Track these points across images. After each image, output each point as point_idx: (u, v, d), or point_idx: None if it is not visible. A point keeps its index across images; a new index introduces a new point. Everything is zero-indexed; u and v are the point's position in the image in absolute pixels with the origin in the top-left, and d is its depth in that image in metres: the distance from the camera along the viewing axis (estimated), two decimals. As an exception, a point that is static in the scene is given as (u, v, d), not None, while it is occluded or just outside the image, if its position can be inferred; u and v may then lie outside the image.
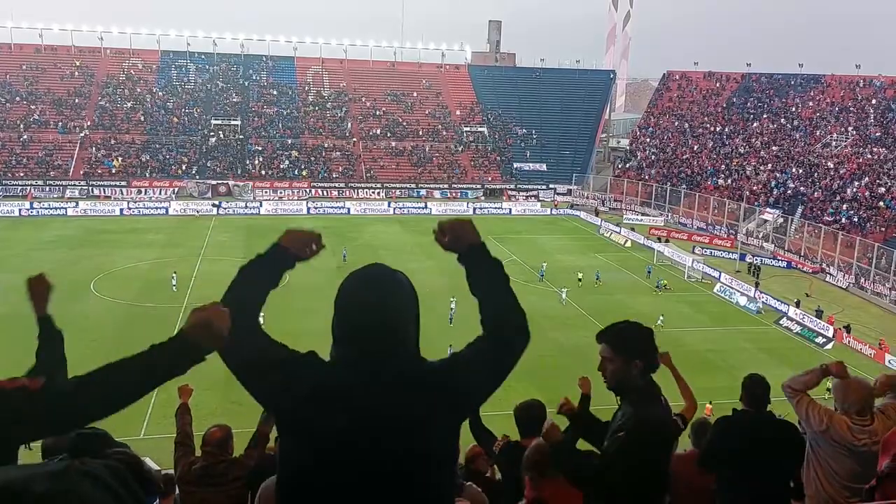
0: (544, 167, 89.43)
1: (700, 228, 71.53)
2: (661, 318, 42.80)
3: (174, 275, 46.18)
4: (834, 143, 74.80)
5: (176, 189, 77.16)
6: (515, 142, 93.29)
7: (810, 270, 58.99)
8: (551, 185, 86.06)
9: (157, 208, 73.10)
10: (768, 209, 68.82)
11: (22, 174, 75.82)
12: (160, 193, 76.35)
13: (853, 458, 4.85)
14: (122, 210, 71.56)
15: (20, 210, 68.77)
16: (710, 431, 5.63)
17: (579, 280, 50.90)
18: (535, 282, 51.52)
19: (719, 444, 5.40)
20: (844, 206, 64.20)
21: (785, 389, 5.26)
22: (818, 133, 77.53)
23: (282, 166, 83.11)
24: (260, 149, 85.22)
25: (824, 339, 42.94)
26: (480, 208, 79.70)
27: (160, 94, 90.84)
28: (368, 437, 2.43)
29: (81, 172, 77.17)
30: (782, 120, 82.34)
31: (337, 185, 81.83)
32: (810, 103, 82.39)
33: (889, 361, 38.95)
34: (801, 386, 5.20)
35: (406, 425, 2.46)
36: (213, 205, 73.78)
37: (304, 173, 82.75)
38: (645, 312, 45.28)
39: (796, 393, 5.13)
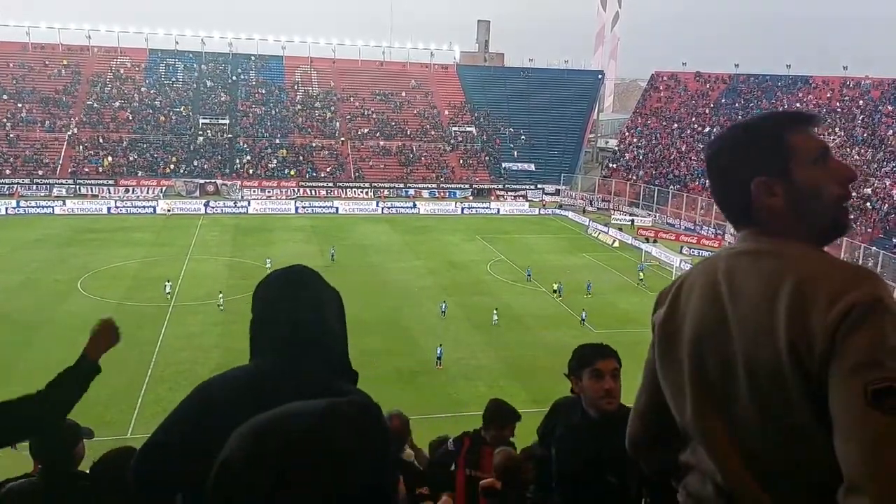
0: (533, 167, 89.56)
1: (688, 229, 71.72)
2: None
3: (167, 283, 45.61)
4: (820, 144, 75.15)
5: (164, 188, 76.88)
6: (504, 142, 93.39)
7: (797, 270, 59.20)
8: (539, 185, 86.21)
9: (144, 207, 72.78)
10: (755, 209, 69.05)
11: (9, 172, 75.32)
12: (148, 192, 76.04)
13: None
14: (109, 209, 71.20)
15: (7, 208, 68.30)
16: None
17: (555, 291, 48.23)
18: (522, 281, 51.61)
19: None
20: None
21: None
22: (805, 134, 77.87)
23: (270, 165, 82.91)
24: (248, 148, 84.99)
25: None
26: (469, 208, 79.77)
27: (148, 92, 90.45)
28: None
29: (69, 171, 76.77)
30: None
31: (325, 184, 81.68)
32: (797, 104, 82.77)
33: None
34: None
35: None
36: (204, 204, 73.58)
37: (292, 173, 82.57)
38: (630, 312, 45.44)
39: None
